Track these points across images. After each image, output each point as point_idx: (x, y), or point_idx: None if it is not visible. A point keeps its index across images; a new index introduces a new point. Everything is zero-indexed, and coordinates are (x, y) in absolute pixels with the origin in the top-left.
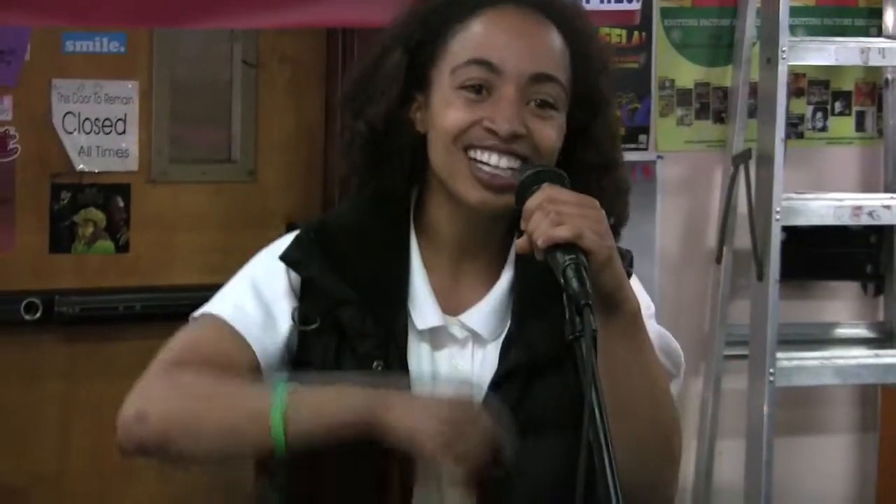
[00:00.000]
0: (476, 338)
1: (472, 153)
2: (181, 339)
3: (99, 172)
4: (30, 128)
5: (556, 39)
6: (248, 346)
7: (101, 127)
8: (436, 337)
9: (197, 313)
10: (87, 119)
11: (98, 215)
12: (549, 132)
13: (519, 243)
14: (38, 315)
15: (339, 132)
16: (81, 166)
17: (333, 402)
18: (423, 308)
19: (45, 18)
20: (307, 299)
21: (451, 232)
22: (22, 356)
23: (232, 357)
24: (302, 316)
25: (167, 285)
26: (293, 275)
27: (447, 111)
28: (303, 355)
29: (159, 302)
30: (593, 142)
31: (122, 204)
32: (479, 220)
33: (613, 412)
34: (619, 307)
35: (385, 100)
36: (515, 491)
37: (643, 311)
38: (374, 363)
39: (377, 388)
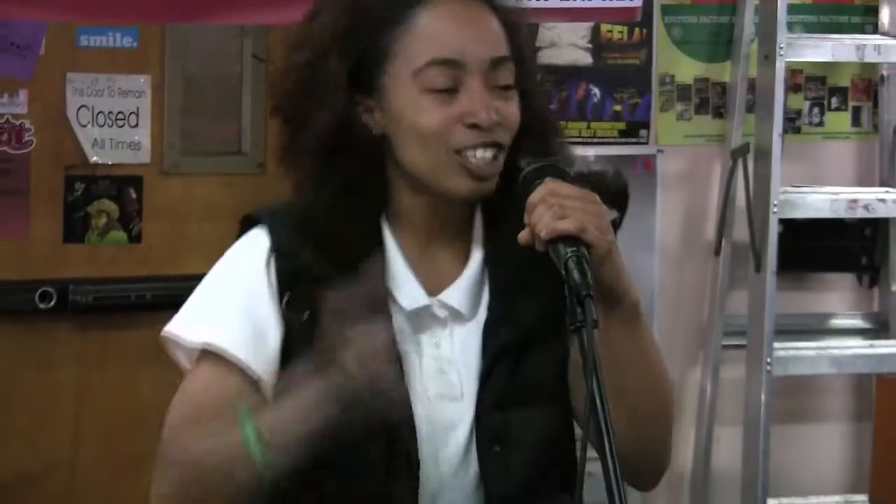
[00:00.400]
0: (456, 316)
1: (461, 152)
2: (186, 397)
3: (112, 164)
4: (44, 121)
5: (494, 19)
6: (255, 376)
7: (115, 120)
8: (418, 318)
9: (186, 332)
10: (100, 112)
11: (111, 206)
12: (514, 111)
13: (522, 235)
14: (52, 303)
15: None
16: (95, 158)
17: (286, 411)
18: (408, 289)
19: (60, 13)
20: (294, 290)
21: (421, 217)
22: (36, 344)
23: (235, 398)
24: (293, 308)
25: (178, 275)
26: (269, 268)
27: (420, 115)
28: (293, 347)
29: (170, 291)
30: (529, 102)
31: (134, 195)
32: (450, 205)
33: (618, 394)
34: (620, 298)
35: (332, 108)
36: (511, 459)
37: None
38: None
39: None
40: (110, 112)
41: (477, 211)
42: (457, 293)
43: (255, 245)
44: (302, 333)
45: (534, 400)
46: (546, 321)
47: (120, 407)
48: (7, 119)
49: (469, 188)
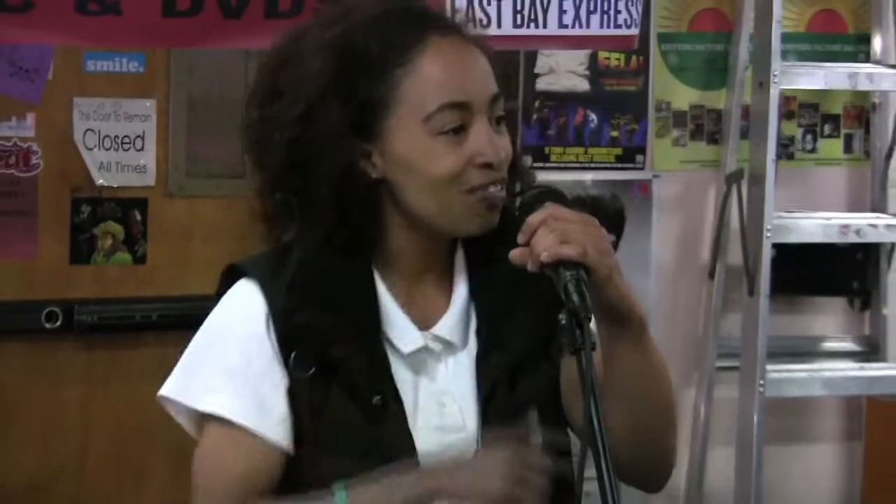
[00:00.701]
0: (448, 347)
1: (475, 192)
2: (207, 481)
3: (118, 187)
4: (52, 144)
5: (482, 57)
6: (264, 439)
7: (121, 143)
8: (415, 357)
9: (187, 400)
10: (106, 136)
11: (116, 228)
12: (508, 144)
13: (515, 254)
14: (58, 323)
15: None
16: (101, 181)
17: (393, 493)
18: (404, 332)
19: (67, 38)
20: (297, 346)
21: (410, 256)
22: (43, 362)
23: (259, 467)
24: (296, 365)
25: (182, 295)
26: (268, 323)
27: (433, 160)
28: (300, 403)
29: (174, 311)
30: (512, 136)
31: (139, 217)
32: (437, 240)
33: (628, 406)
34: (627, 316)
35: (332, 162)
36: None
37: None
38: (374, 398)
39: (416, 473)
40: (116, 136)
41: (458, 246)
42: (447, 324)
43: (250, 305)
44: (308, 389)
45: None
46: (534, 343)
47: (124, 422)
48: (15, 142)
49: (480, 225)
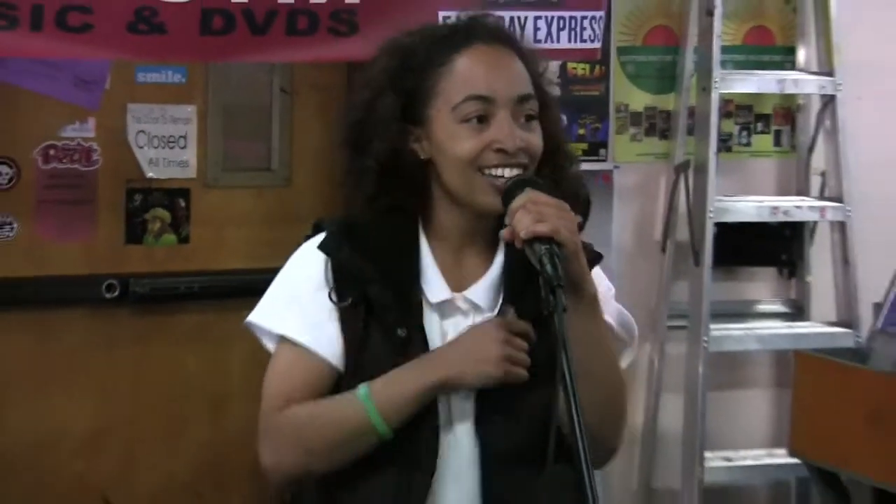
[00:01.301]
0: (476, 309)
1: (486, 171)
2: (273, 384)
3: (164, 179)
4: (109, 143)
5: (519, 63)
6: (319, 356)
7: (166, 142)
8: (444, 309)
9: (264, 321)
10: (154, 136)
11: (164, 214)
12: (537, 139)
13: (504, 233)
14: (115, 294)
15: (346, 169)
16: (150, 174)
17: (405, 382)
18: (434, 285)
19: (121, 54)
20: (339, 282)
21: (454, 228)
22: (102, 327)
23: (314, 376)
24: (337, 295)
25: (219, 269)
26: (326, 267)
27: (457, 143)
28: (351, 325)
29: (213, 283)
30: (547, 129)
31: (183, 204)
32: (478, 217)
33: (580, 370)
34: (582, 290)
35: (388, 137)
36: (507, 428)
37: (605, 293)
38: (398, 330)
39: (426, 357)
40: (163, 136)
41: (501, 225)
42: (478, 291)
43: (315, 252)
44: (348, 318)
45: (532, 381)
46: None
47: (170, 377)
48: (78, 142)
49: (494, 203)
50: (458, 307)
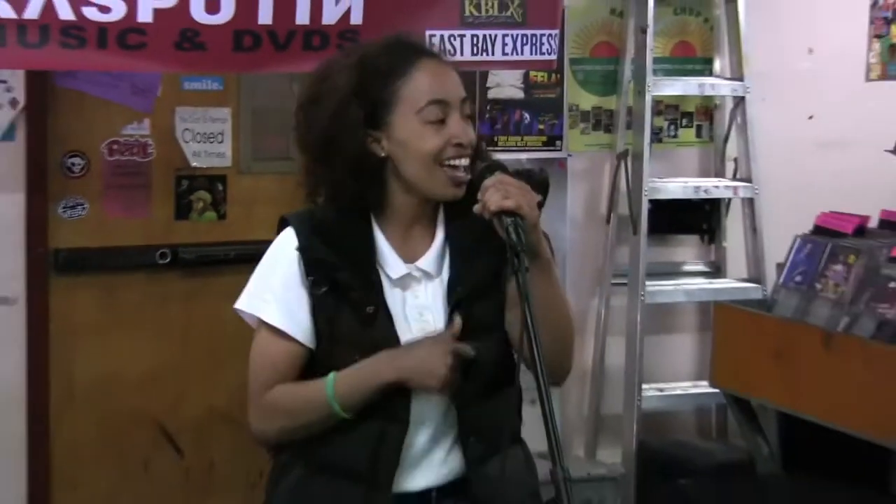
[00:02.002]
0: (427, 276)
1: (448, 163)
2: (257, 366)
3: (206, 167)
4: (161, 139)
5: (454, 72)
6: (293, 339)
7: (207, 138)
8: (402, 281)
9: (248, 307)
10: (198, 133)
11: (206, 195)
12: (473, 133)
13: (476, 207)
14: (168, 260)
15: (307, 171)
16: (194, 164)
17: (364, 377)
18: (391, 263)
19: (170, 67)
20: (314, 273)
21: (404, 209)
22: (156, 287)
23: (289, 358)
24: (314, 285)
25: (250, 240)
26: (299, 260)
27: (423, 141)
28: (318, 312)
29: (245, 251)
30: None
31: (221, 188)
32: (426, 200)
33: (540, 322)
34: (539, 255)
35: (357, 143)
36: (469, 376)
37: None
38: (367, 308)
39: (387, 355)
40: (204, 133)
41: (440, 206)
42: (427, 260)
43: (287, 245)
44: (322, 302)
45: (484, 334)
46: (488, 277)
47: (211, 327)
48: (136, 139)
49: (452, 193)
50: (413, 277)
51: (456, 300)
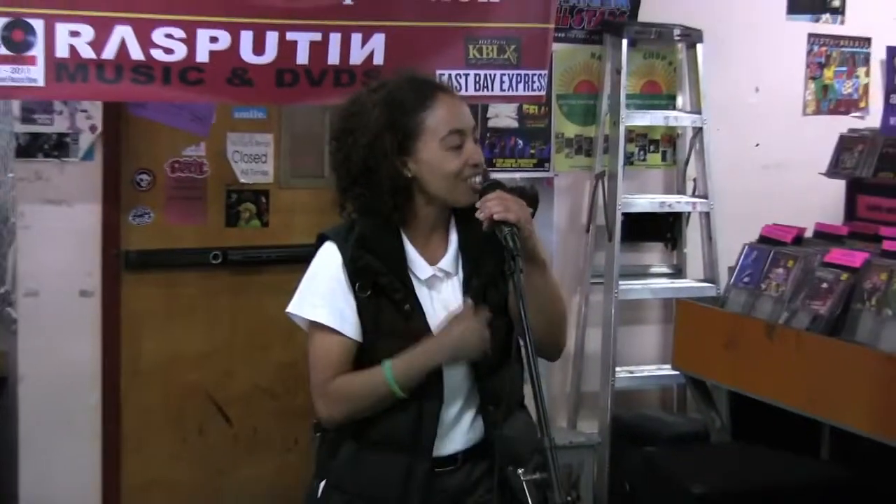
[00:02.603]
0: (447, 275)
1: (467, 180)
2: (318, 362)
3: (252, 183)
4: (214, 159)
5: (464, 104)
6: (345, 335)
7: (253, 159)
8: (429, 281)
9: (301, 312)
10: (245, 154)
11: (251, 206)
12: (482, 152)
13: (480, 214)
14: (219, 260)
15: (343, 191)
16: (242, 180)
17: (418, 362)
18: (420, 266)
19: (223, 100)
20: (359, 279)
21: (427, 219)
22: (210, 283)
23: (344, 352)
24: (360, 289)
25: (289, 244)
26: (343, 267)
27: (446, 163)
28: (367, 311)
29: (285, 253)
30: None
31: (264, 200)
32: (442, 211)
33: (540, 311)
34: (538, 257)
35: (391, 167)
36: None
37: None
38: (405, 306)
39: (433, 341)
40: (250, 154)
41: (451, 215)
42: (447, 261)
43: (332, 257)
44: (367, 303)
45: (494, 318)
46: (495, 274)
47: (255, 317)
48: (194, 159)
49: (472, 200)
50: (437, 276)
51: (472, 292)
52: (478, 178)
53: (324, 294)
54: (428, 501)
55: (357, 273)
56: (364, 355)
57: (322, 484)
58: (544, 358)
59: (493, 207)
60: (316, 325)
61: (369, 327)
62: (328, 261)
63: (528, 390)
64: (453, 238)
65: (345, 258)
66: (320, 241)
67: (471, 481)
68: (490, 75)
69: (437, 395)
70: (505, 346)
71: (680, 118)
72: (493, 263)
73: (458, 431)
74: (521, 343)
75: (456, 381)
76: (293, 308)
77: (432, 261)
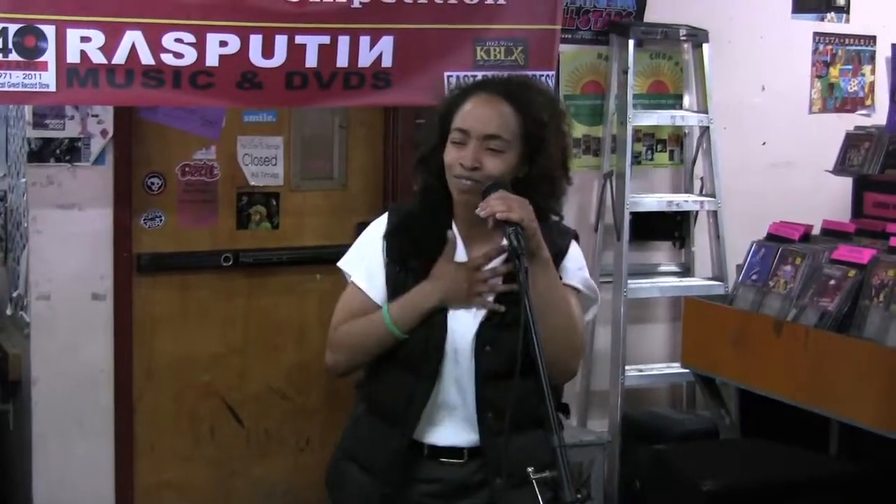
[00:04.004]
0: None
1: (455, 178)
2: (342, 305)
3: (262, 186)
4: (225, 162)
5: (505, 110)
6: (369, 297)
7: (263, 161)
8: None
9: (344, 266)
10: (256, 157)
11: (262, 209)
12: (496, 164)
13: (480, 212)
14: (231, 262)
15: (422, 183)
16: (253, 182)
17: (414, 303)
18: (459, 252)
19: (233, 103)
20: (392, 256)
21: (458, 207)
22: (222, 285)
23: (364, 310)
24: (391, 263)
25: (300, 246)
26: (385, 243)
27: (448, 155)
28: (393, 282)
29: (296, 255)
30: (537, 166)
31: (275, 203)
32: (470, 207)
33: (544, 319)
34: (539, 256)
35: (437, 158)
36: (494, 355)
37: (576, 267)
38: (420, 274)
39: (428, 284)
40: (261, 157)
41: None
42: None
43: (379, 225)
44: (395, 276)
45: (507, 321)
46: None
47: (267, 318)
48: (205, 162)
49: (458, 197)
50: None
51: (496, 296)
52: (466, 182)
53: (363, 255)
54: (421, 484)
55: (390, 250)
56: None
57: (338, 450)
58: (554, 380)
59: (495, 206)
60: (350, 281)
61: (392, 297)
62: (376, 227)
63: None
64: (499, 241)
65: (388, 230)
66: (386, 209)
67: (473, 481)
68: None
69: (431, 377)
70: (515, 359)
71: (687, 118)
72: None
73: (457, 426)
74: (535, 348)
75: (458, 371)
76: (342, 263)
77: (475, 250)
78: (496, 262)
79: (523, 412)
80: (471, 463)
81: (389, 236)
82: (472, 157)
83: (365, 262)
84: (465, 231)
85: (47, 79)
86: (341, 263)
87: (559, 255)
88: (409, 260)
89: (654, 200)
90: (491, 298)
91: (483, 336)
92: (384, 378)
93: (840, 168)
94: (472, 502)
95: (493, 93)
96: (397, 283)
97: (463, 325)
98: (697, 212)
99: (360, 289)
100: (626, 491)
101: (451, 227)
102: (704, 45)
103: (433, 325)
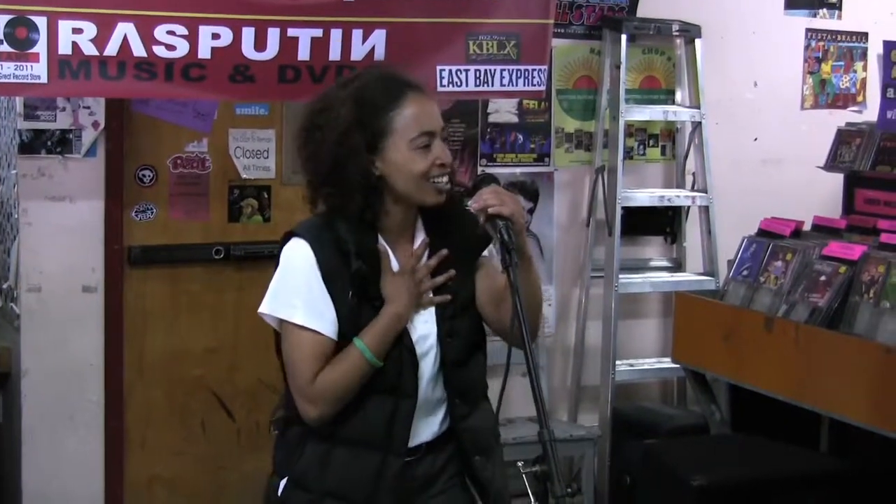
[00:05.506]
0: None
1: (433, 180)
2: (300, 364)
3: (254, 179)
4: (217, 155)
5: (434, 104)
6: (324, 335)
7: (255, 154)
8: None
9: (277, 312)
10: (247, 150)
11: (254, 202)
12: (449, 152)
13: (473, 206)
14: (222, 256)
15: (315, 187)
16: (245, 176)
17: (387, 329)
18: (394, 265)
19: (225, 96)
20: (334, 280)
21: (397, 218)
22: (213, 278)
23: (324, 352)
24: (337, 290)
25: None
26: (316, 265)
27: (414, 164)
28: (342, 313)
29: None
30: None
31: (266, 196)
32: (410, 210)
33: (527, 309)
34: (525, 252)
35: (360, 166)
36: (455, 343)
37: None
38: (376, 302)
39: (391, 307)
40: (253, 150)
41: (418, 215)
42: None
43: (304, 254)
44: (344, 300)
45: (462, 312)
46: (461, 268)
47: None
48: (197, 154)
49: (437, 200)
50: None
51: (440, 286)
52: (444, 179)
53: (301, 293)
54: (397, 493)
55: (327, 272)
56: (340, 350)
57: (283, 483)
58: (518, 344)
59: (488, 200)
60: (293, 326)
61: (348, 328)
62: (301, 260)
63: (525, 383)
64: (419, 236)
65: (318, 258)
66: (287, 238)
67: (435, 469)
68: (490, 71)
69: (412, 393)
70: (473, 341)
71: (679, 113)
72: (459, 256)
73: (426, 424)
74: (514, 335)
75: (429, 375)
76: (267, 308)
77: (399, 254)
78: (424, 259)
79: (479, 389)
80: (428, 455)
81: (325, 263)
82: (447, 153)
83: (302, 298)
84: (388, 238)
85: (39, 70)
86: (269, 310)
87: (486, 240)
88: (352, 278)
89: (645, 195)
90: (431, 294)
91: (444, 329)
92: (359, 406)
93: (831, 164)
94: (434, 491)
95: (415, 88)
96: (348, 304)
97: (422, 328)
98: (689, 207)
99: (311, 330)
100: (617, 485)
101: (377, 240)
102: (697, 41)
103: (399, 341)
